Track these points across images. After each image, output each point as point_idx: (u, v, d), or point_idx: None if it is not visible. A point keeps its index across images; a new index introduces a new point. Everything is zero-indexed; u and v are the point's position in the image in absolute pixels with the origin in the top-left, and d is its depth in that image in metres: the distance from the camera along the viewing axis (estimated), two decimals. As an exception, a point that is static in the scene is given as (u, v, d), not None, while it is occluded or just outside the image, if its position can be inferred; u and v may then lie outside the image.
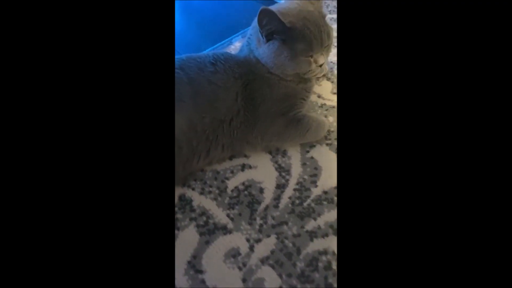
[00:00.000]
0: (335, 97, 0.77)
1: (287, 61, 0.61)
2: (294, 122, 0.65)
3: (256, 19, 0.60)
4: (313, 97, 0.77)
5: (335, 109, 0.74)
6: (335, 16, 1.03)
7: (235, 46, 0.96)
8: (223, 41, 1.00)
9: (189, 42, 1.06)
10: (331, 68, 0.85)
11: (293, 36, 0.59)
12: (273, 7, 0.62)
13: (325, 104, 0.76)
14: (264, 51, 0.62)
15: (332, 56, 0.89)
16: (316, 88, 0.80)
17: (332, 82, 0.81)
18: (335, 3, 1.09)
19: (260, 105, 0.63)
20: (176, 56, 0.66)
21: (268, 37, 0.61)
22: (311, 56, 0.62)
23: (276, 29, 0.59)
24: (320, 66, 0.63)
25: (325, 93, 0.79)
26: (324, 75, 0.83)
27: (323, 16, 0.62)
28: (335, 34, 0.94)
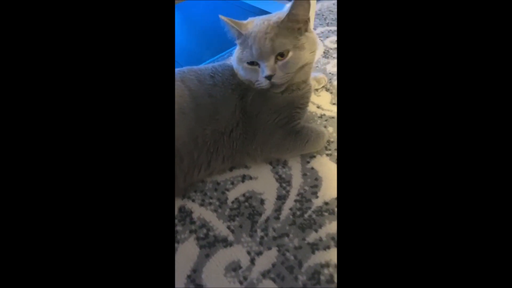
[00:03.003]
0: (334, 108, 0.78)
1: (236, 65, 0.63)
2: (293, 133, 0.64)
3: None
4: (312, 108, 0.78)
5: (335, 120, 0.75)
6: (333, 28, 1.05)
7: (235, 58, 0.97)
8: (223, 53, 1.02)
9: (190, 54, 1.07)
10: (330, 79, 0.86)
11: (242, 42, 0.60)
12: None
13: (324, 115, 0.77)
14: (234, 57, 0.65)
15: (331, 67, 0.91)
16: (315, 99, 0.81)
17: (331, 92, 0.82)
18: (333, 16, 1.11)
19: (256, 117, 0.63)
20: (178, 68, 0.67)
21: (235, 43, 0.64)
22: (258, 65, 0.60)
23: (234, 35, 0.62)
24: (268, 78, 0.58)
25: (324, 103, 0.80)
26: (323, 86, 0.84)
27: (281, 26, 0.57)
28: (334, 46, 0.97)
